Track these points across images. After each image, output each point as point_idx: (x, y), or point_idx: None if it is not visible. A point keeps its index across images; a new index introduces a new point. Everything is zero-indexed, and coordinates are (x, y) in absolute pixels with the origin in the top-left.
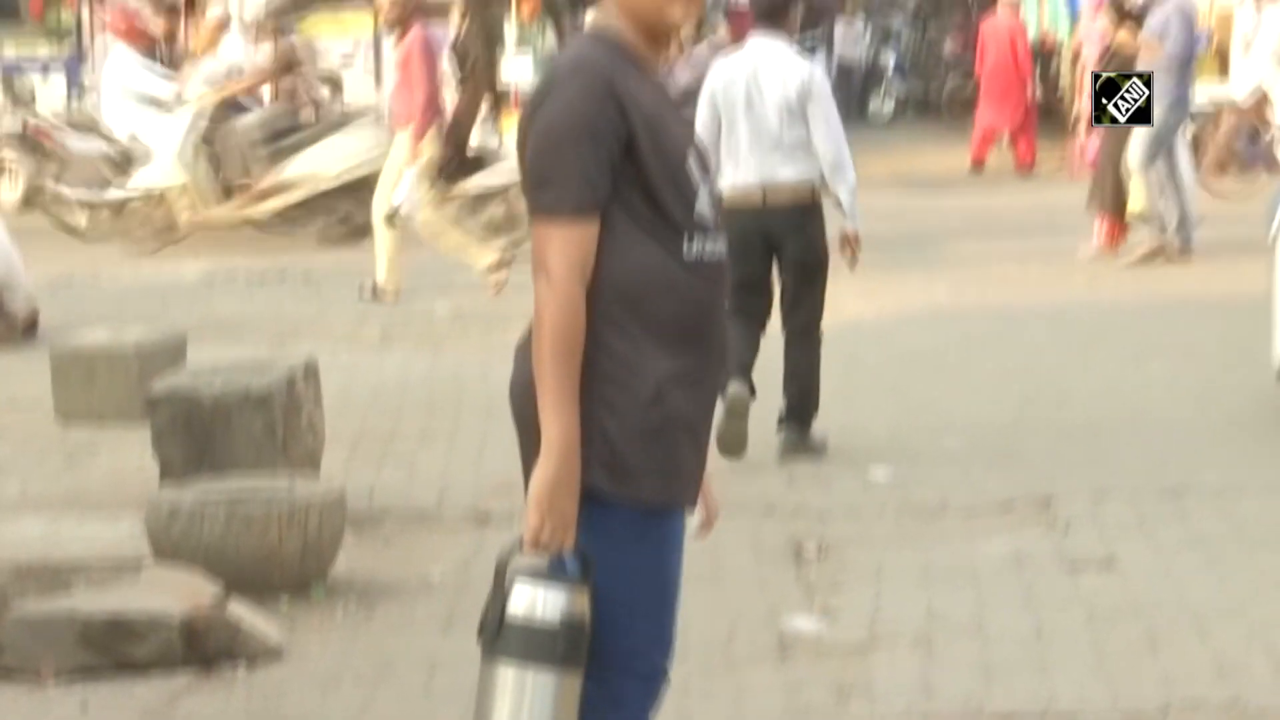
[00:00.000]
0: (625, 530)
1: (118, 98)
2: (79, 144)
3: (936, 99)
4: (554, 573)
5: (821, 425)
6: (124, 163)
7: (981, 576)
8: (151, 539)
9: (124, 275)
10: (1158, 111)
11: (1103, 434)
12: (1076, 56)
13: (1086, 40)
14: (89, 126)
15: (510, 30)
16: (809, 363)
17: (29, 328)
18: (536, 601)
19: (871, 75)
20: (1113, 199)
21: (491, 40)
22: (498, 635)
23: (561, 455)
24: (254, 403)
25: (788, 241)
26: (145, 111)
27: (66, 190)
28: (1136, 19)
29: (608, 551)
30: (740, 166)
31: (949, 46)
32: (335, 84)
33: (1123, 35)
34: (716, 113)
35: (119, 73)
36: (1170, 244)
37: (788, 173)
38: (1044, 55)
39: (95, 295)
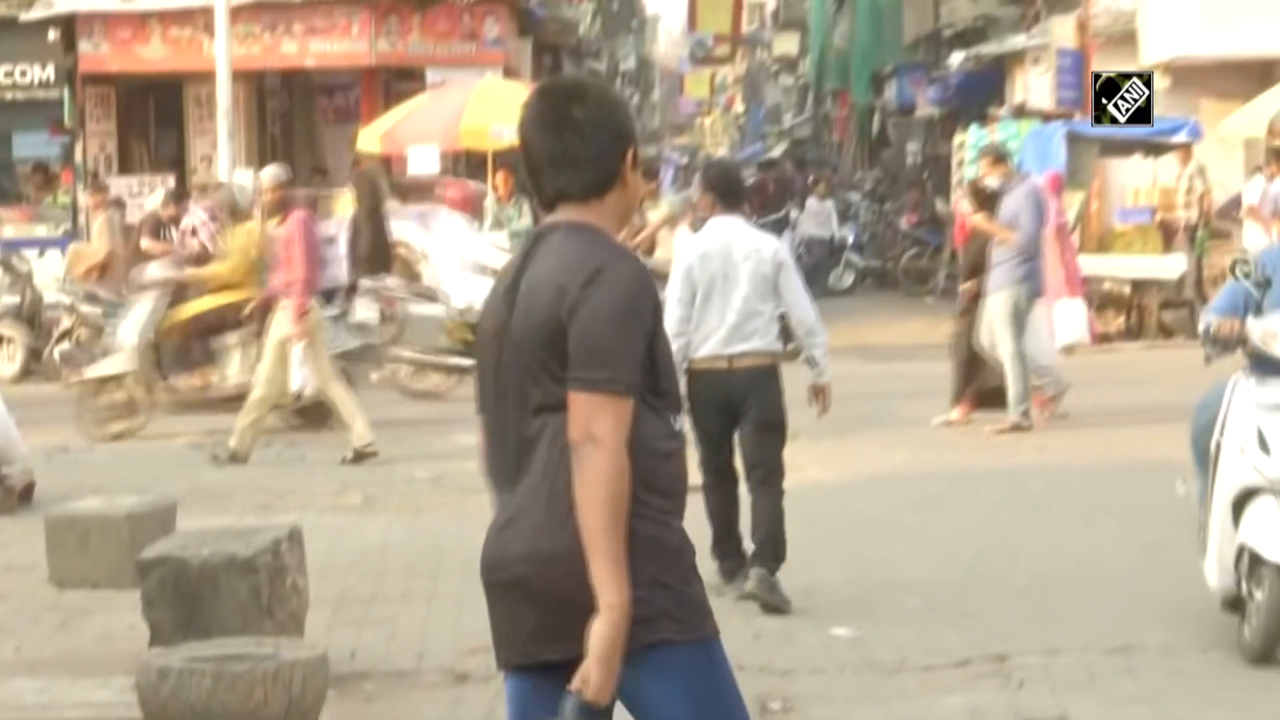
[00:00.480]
0: (703, 663)
1: (453, 266)
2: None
3: (893, 271)
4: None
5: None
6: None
7: None
8: (142, 700)
9: (116, 445)
10: (1009, 293)
11: (1054, 592)
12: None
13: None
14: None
15: (489, 207)
16: (773, 506)
17: (25, 495)
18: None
19: (832, 249)
20: (963, 375)
21: (377, 220)
22: None
23: (623, 615)
24: (240, 568)
25: (750, 402)
26: (478, 279)
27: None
28: (992, 201)
29: (695, 687)
30: (711, 338)
31: (905, 221)
32: None
33: (978, 219)
34: (692, 286)
35: (454, 242)
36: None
37: (754, 343)
38: None
39: (89, 464)
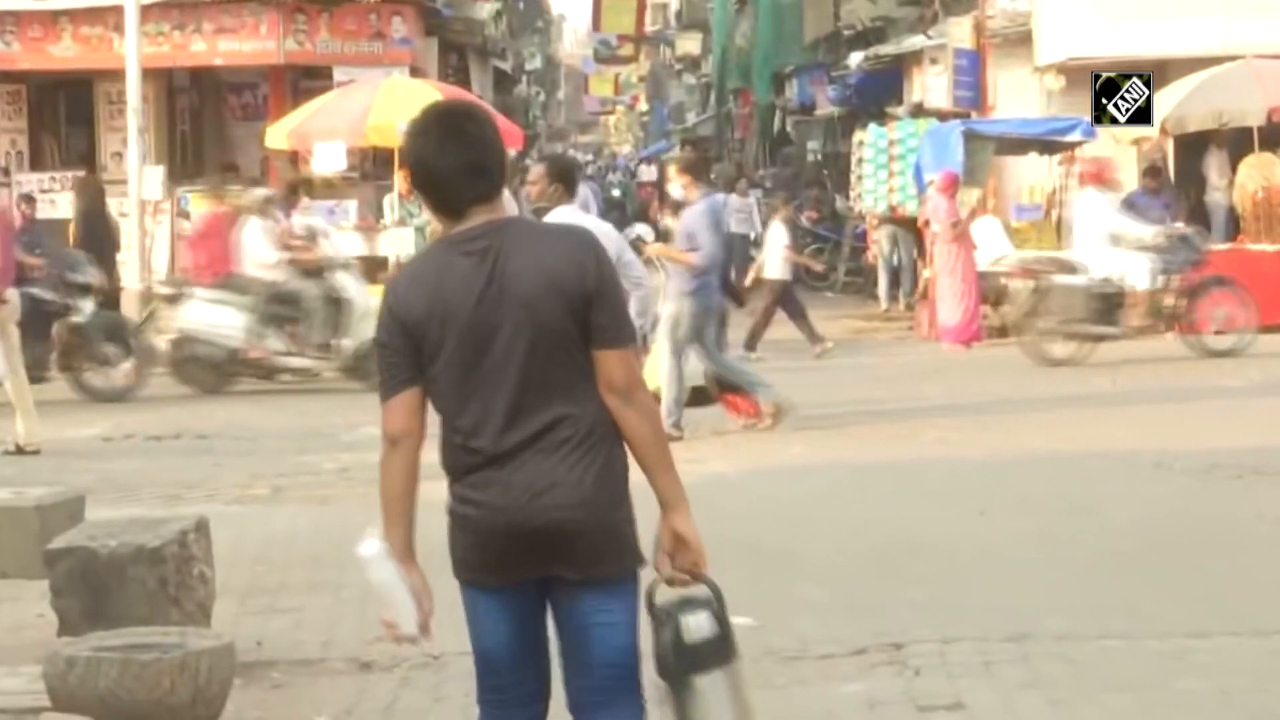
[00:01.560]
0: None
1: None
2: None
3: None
4: (701, 601)
5: None
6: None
7: None
8: (50, 688)
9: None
10: (679, 305)
11: (951, 582)
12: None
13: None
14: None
15: (391, 203)
16: None
17: None
18: (703, 626)
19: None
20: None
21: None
22: (687, 663)
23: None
24: (148, 558)
25: None
26: (1116, 252)
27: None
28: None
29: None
30: None
31: (805, 218)
32: None
33: (655, 249)
34: None
35: (1094, 216)
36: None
37: None
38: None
39: None
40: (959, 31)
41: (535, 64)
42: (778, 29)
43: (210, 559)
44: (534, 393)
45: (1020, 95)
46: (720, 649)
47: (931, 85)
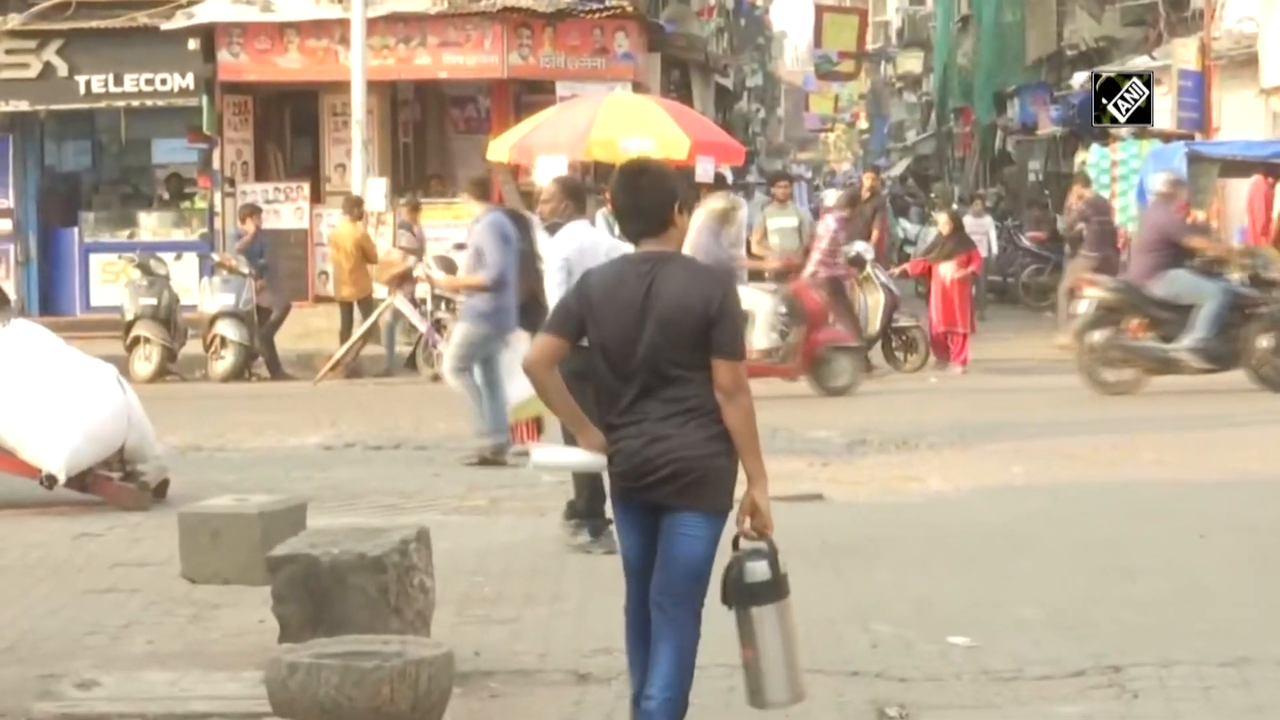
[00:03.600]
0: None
1: None
2: None
3: (1014, 287)
4: (764, 553)
5: (895, 594)
6: None
7: None
8: (270, 693)
9: (248, 444)
10: (470, 328)
11: (1170, 605)
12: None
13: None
14: None
15: (606, 218)
16: None
17: (160, 492)
18: (761, 571)
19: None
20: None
21: None
22: (746, 597)
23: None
24: (369, 566)
25: None
26: None
27: None
28: None
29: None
30: None
31: (1027, 238)
32: None
33: (442, 280)
34: (571, 275)
35: None
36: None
37: None
38: None
39: (222, 463)
40: (1184, 52)
41: (756, 80)
42: (1000, 48)
43: (430, 568)
44: (657, 381)
45: (1245, 117)
46: (772, 590)
47: (1156, 106)
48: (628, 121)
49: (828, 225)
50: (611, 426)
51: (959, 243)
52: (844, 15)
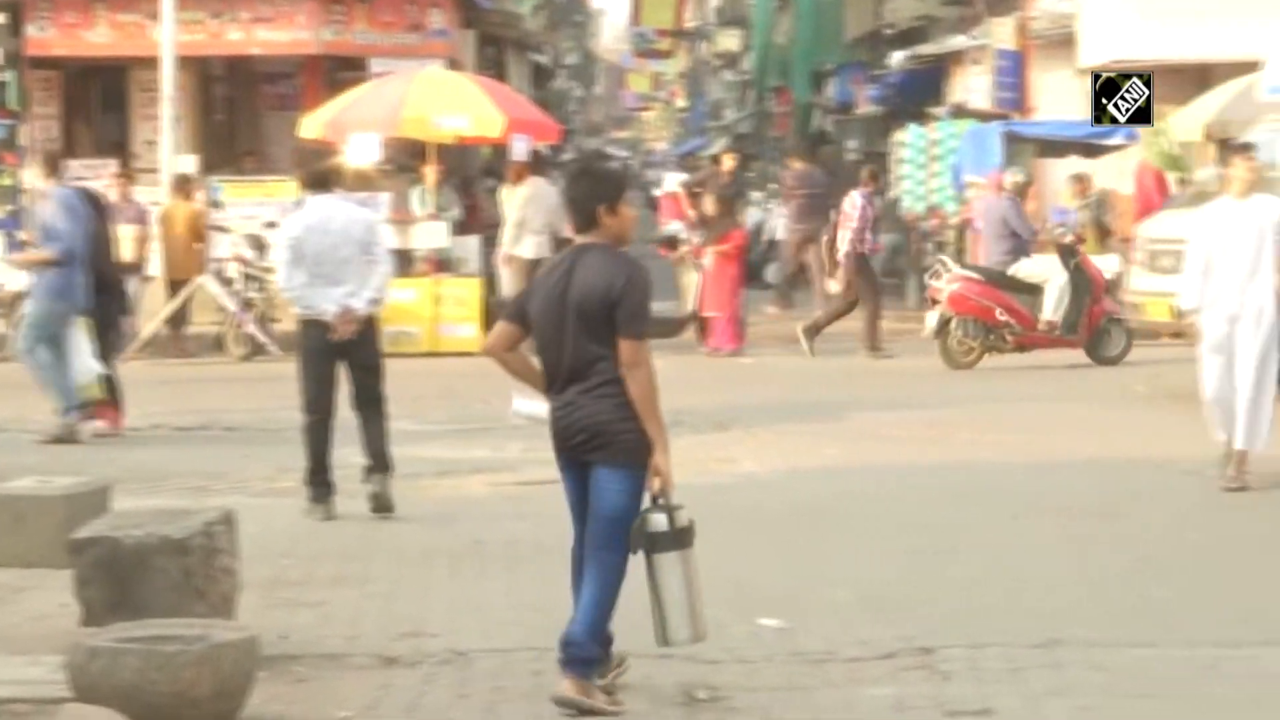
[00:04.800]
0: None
1: None
2: None
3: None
4: (664, 508)
5: (708, 576)
6: None
7: None
8: (71, 678)
9: (53, 425)
10: (44, 306)
11: (982, 587)
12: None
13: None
14: None
15: (420, 194)
16: (380, 429)
17: None
18: (660, 522)
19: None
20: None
21: None
22: (648, 544)
23: (666, 449)
24: (173, 549)
25: (355, 347)
26: None
27: None
28: None
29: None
30: (330, 294)
31: None
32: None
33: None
34: (301, 253)
35: None
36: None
37: (360, 299)
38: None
39: (26, 445)
40: (1001, 32)
41: (574, 58)
42: (818, 26)
43: (236, 551)
44: (576, 357)
45: (1062, 97)
46: (671, 540)
47: (973, 86)
48: (442, 99)
49: (854, 202)
50: (550, 396)
51: (723, 224)
52: None
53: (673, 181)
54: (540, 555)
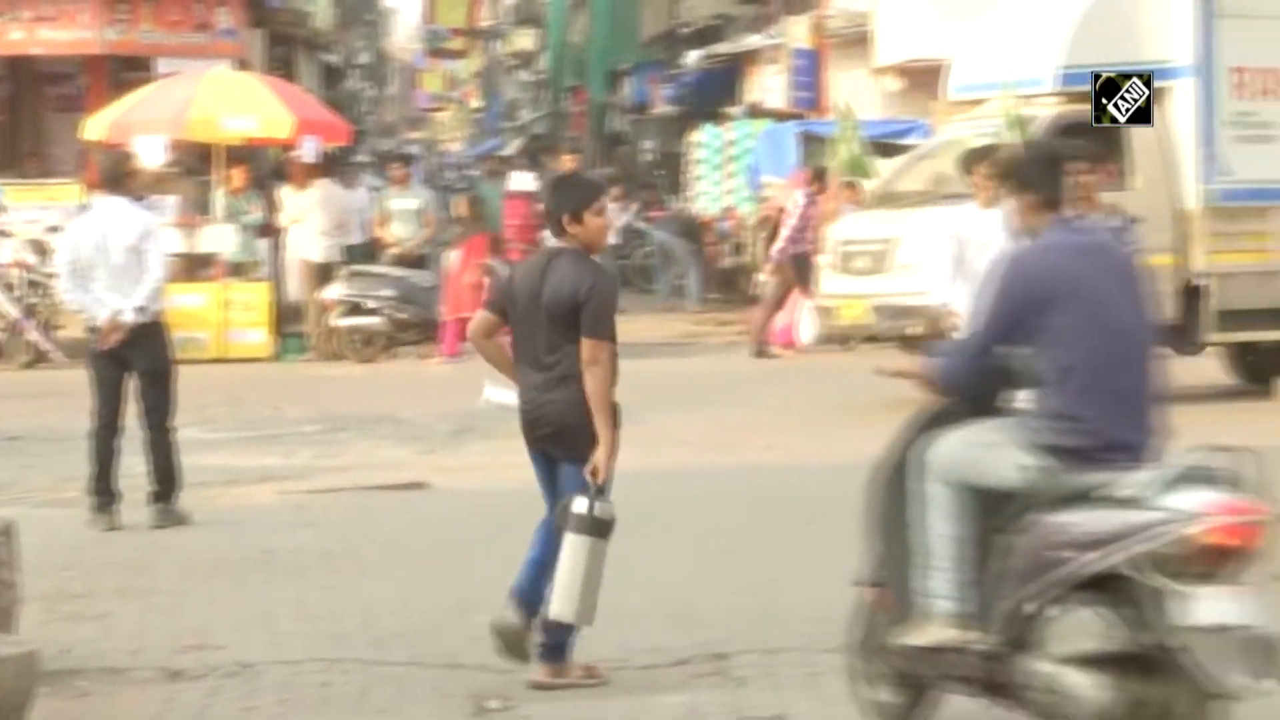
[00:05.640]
0: None
1: None
2: None
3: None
4: (589, 494)
5: (500, 584)
6: None
7: None
8: None
9: None
10: None
11: (778, 591)
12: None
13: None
14: None
15: (221, 199)
16: (165, 448)
17: None
18: (581, 505)
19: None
20: None
21: None
22: (565, 524)
23: (610, 443)
24: None
25: (139, 353)
26: None
27: None
28: None
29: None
30: (107, 298)
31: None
32: None
33: None
34: (77, 255)
35: None
36: None
37: (138, 302)
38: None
39: None
40: (798, 31)
41: (366, 58)
42: (614, 26)
43: (16, 563)
44: (544, 353)
45: (858, 96)
46: (585, 525)
47: (769, 85)
48: (230, 100)
49: (797, 201)
50: (519, 384)
51: (469, 228)
52: None
53: (521, 181)
54: (328, 564)
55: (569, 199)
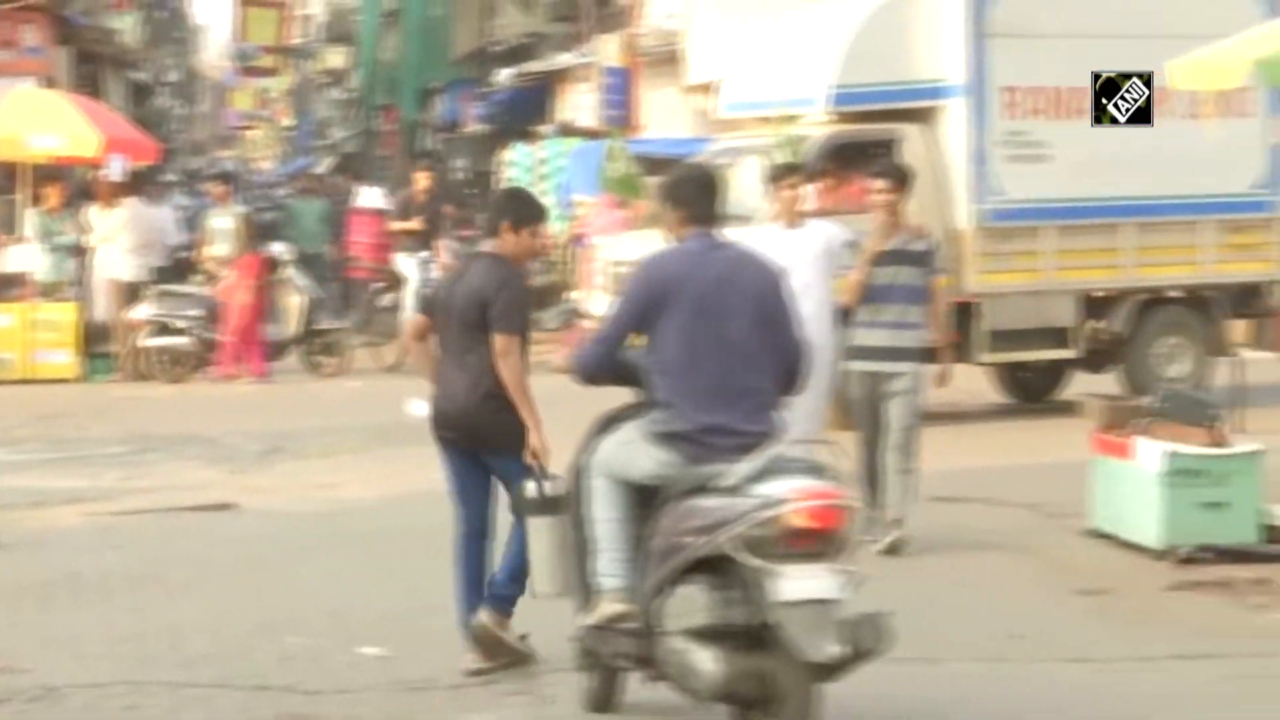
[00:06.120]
0: None
1: None
2: None
3: None
4: (537, 478)
5: (309, 605)
6: None
7: None
8: None
9: None
10: None
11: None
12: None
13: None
14: None
15: (35, 218)
16: None
17: None
18: (531, 490)
19: None
20: None
21: None
22: (518, 508)
23: (539, 427)
24: None
25: None
26: None
27: None
28: None
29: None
30: None
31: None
32: None
33: None
34: None
35: None
36: None
37: None
38: None
39: None
40: (609, 49)
41: (175, 75)
42: (426, 44)
43: None
44: (460, 350)
45: (670, 115)
46: (540, 506)
47: (580, 104)
48: (35, 118)
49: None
50: (435, 381)
51: (243, 247)
52: (266, 9)
53: (370, 197)
54: (134, 586)
55: (518, 211)
